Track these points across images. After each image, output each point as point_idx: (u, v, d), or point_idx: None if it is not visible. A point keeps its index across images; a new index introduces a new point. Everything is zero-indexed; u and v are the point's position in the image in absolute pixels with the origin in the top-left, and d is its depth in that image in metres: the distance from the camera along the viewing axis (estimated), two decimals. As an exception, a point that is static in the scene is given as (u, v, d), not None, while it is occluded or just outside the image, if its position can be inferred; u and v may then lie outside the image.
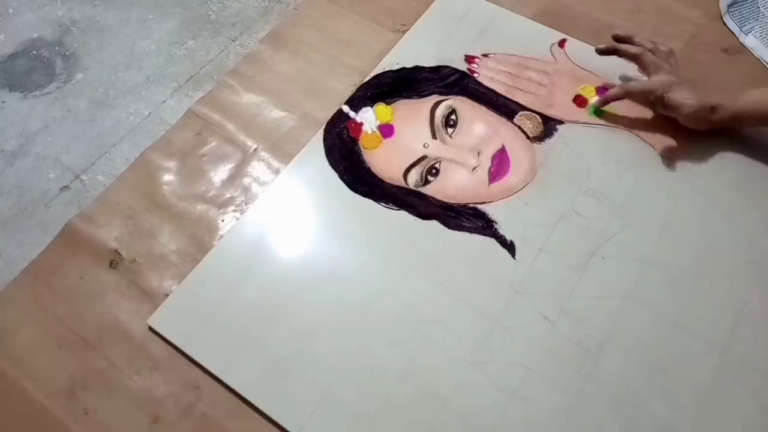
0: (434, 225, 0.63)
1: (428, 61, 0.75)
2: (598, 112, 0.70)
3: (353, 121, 0.70)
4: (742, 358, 0.55)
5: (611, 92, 0.68)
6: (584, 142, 0.68)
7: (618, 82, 0.72)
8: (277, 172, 0.68)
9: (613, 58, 0.73)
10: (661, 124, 0.69)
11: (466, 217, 0.63)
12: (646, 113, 0.70)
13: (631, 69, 0.72)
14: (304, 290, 0.60)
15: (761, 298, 0.58)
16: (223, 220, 0.65)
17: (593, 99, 0.71)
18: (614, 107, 0.70)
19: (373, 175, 0.67)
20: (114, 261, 0.63)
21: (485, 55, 0.75)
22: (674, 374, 0.54)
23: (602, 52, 0.71)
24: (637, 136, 0.68)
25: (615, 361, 0.55)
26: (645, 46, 0.69)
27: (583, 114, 0.70)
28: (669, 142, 0.68)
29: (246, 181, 0.68)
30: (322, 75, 0.76)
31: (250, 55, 0.79)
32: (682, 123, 0.66)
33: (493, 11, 0.79)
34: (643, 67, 0.68)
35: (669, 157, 0.67)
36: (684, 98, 0.64)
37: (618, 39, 0.71)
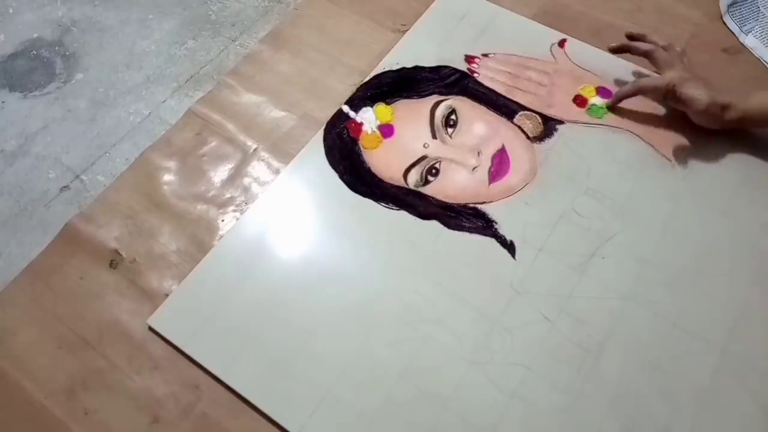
0: (434, 225, 0.63)
1: (428, 61, 0.75)
2: (598, 111, 0.70)
3: (353, 121, 0.70)
4: (742, 358, 0.55)
5: (623, 90, 0.68)
6: (584, 142, 0.68)
7: (618, 81, 0.72)
8: (277, 172, 0.68)
9: (615, 58, 0.73)
10: (662, 123, 0.69)
11: (466, 217, 0.63)
12: (647, 113, 0.70)
13: (632, 70, 0.73)
14: (304, 290, 0.60)
15: (761, 297, 0.58)
16: (223, 220, 0.65)
17: (593, 99, 0.71)
18: (615, 107, 0.70)
19: (373, 175, 0.67)
20: (114, 261, 0.63)
21: (485, 55, 0.75)
22: (674, 374, 0.54)
23: (615, 50, 0.72)
24: (637, 136, 0.68)
25: (615, 361, 0.55)
26: (658, 44, 0.69)
27: (583, 114, 0.70)
28: (669, 142, 0.68)
29: (246, 181, 0.68)
30: (322, 75, 0.75)
31: (250, 55, 0.79)
32: (692, 119, 0.66)
33: (493, 11, 0.79)
34: (656, 63, 0.68)
35: (669, 157, 0.67)
36: (696, 93, 0.64)
37: (631, 37, 0.71)
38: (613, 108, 0.70)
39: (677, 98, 0.65)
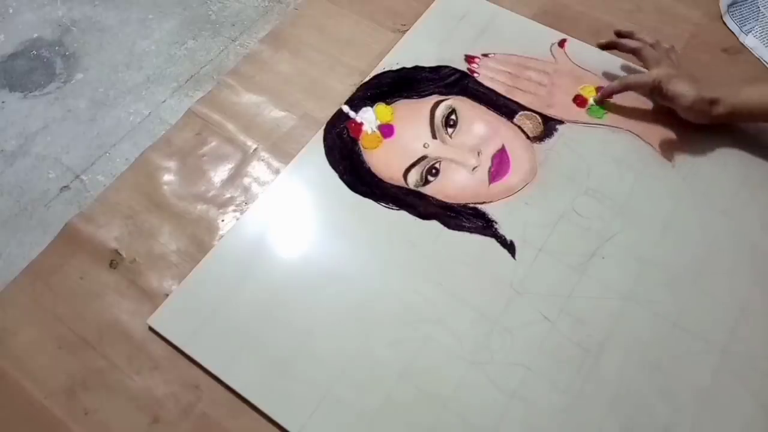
0: (434, 225, 0.63)
1: (428, 61, 0.75)
2: (598, 111, 0.70)
3: (353, 121, 0.70)
4: (743, 358, 0.55)
5: (610, 86, 0.69)
6: (584, 142, 0.68)
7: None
8: (277, 172, 0.68)
9: (614, 58, 0.73)
10: (662, 123, 0.69)
11: (466, 217, 0.63)
12: (647, 113, 0.70)
13: (631, 68, 0.73)
14: (304, 290, 0.60)
15: (761, 297, 0.58)
16: (223, 220, 0.65)
17: (593, 99, 0.71)
18: (615, 107, 0.70)
19: (373, 175, 0.67)
20: (114, 261, 0.63)
21: (485, 55, 0.75)
22: (674, 374, 0.54)
23: (603, 46, 0.72)
24: (637, 136, 0.68)
25: (615, 361, 0.55)
26: (646, 41, 0.69)
27: (583, 114, 0.70)
28: (669, 141, 0.68)
29: (246, 181, 0.68)
30: (322, 75, 0.75)
31: (250, 55, 0.79)
32: (681, 115, 0.66)
33: (493, 11, 0.79)
34: (643, 61, 0.69)
35: (669, 157, 0.67)
36: (682, 89, 0.64)
37: (619, 34, 0.72)
38: (600, 103, 0.70)
39: (663, 95, 0.65)
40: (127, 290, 0.61)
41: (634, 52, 0.70)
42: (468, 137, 0.68)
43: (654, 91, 0.66)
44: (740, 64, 0.74)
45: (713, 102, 0.63)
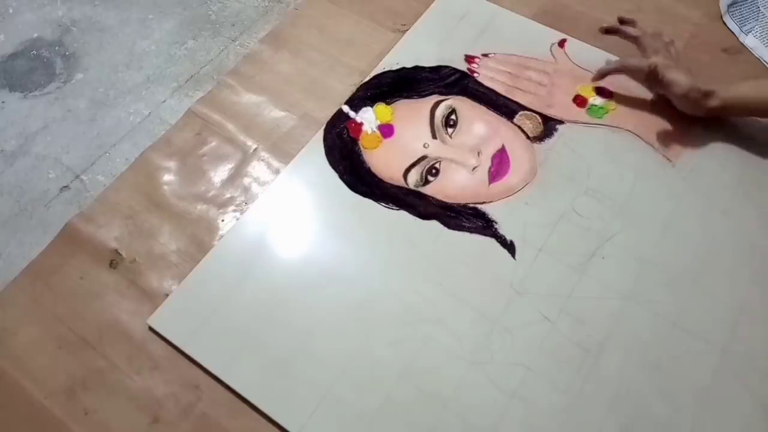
0: (434, 225, 0.63)
1: (428, 61, 0.75)
2: (598, 111, 0.70)
3: (353, 121, 0.70)
4: (743, 358, 0.55)
5: (607, 67, 0.70)
6: (584, 142, 0.68)
7: (616, 79, 0.72)
8: (277, 172, 0.68)
9: (615, 58, 0.73)
10: (662, 123, 0.69)
11: (466, 217, 0.63)
12: (647, 113, 0.70)
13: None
14: (304, 290, 0.60)
15: (761, 297, 0.58)
16: (223, 220, 0.65)
17: (593, 99, 0.71)
18: (615, 107, 0.70)
19: (373, 175, 0.67)
20: (114, 261, 0.63)
21: (485, 55, 0.75)
22: (674, 374, 0.54)
23: (606, 31, 0.73)
24: (637, 136, 0.68)
25: (615, 361, 0.55)
26: (646, 31, 0.70)
27: (583, 114, 0.70)
28: (669, 141, 0.68)
29: (246, 181, 0.68)
30: (322, 75, 0.76)
31: (250, 55, 0.79)
32: (676, 105, 0.67)
33: (493, 11, 0.79)
34: (642, 49, 0.69)
35: (669, 157, 0.67)
36: (678, 78, 0.64)
37: (622, 21, 0.72)
38: (595, 83, 0.71)
39: (659, 81, 0.66)
40: (127, 290, 0.61)
41: (634, 40, 0.70)
42: (468, 137, 0.68)
43: (650, 77, 0.66)
44: (740, 64, 0.74)
45: (708, 94, 0.64)
